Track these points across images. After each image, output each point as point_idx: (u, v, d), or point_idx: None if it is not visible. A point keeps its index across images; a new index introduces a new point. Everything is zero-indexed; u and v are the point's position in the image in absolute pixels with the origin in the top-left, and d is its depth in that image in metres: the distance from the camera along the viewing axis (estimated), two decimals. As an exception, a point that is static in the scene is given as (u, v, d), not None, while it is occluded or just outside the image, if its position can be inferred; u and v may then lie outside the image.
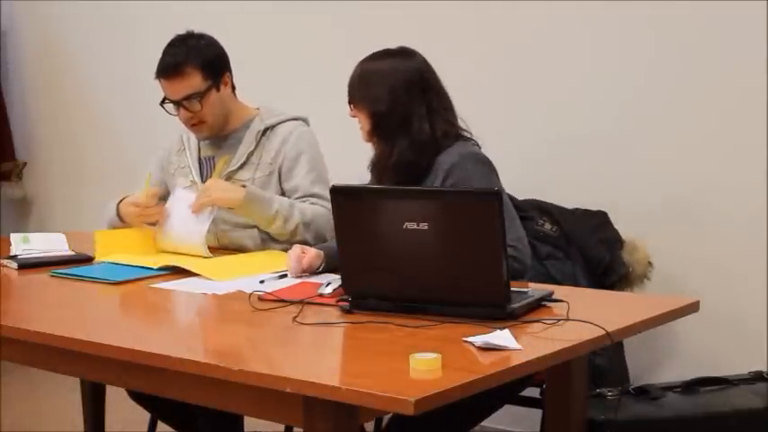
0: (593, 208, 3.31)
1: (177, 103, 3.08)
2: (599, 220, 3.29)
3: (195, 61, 3.06)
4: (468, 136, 2.81)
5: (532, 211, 3.23)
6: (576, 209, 3.31)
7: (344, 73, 2.82)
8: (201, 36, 3.15)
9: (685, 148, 3.37)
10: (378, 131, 2.75)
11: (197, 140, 3.23)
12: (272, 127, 3.15)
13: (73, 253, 3.03)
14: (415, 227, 2.14)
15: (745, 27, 3.23)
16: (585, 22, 3.52)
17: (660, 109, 3.41)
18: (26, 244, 3.10)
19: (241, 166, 3.12)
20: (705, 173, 3.34)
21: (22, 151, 5.24)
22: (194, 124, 3.12)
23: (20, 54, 5.27)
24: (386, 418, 2.75)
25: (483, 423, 2.69)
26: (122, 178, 4.87)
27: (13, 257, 2.98)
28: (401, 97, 2.72)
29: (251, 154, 3.12)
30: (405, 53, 2.80)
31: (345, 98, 2.81)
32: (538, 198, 3.30)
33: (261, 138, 3.14)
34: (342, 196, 2.26)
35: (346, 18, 4.07)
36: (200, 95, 3.06)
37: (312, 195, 3.07)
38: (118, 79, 4.90)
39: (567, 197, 3.34)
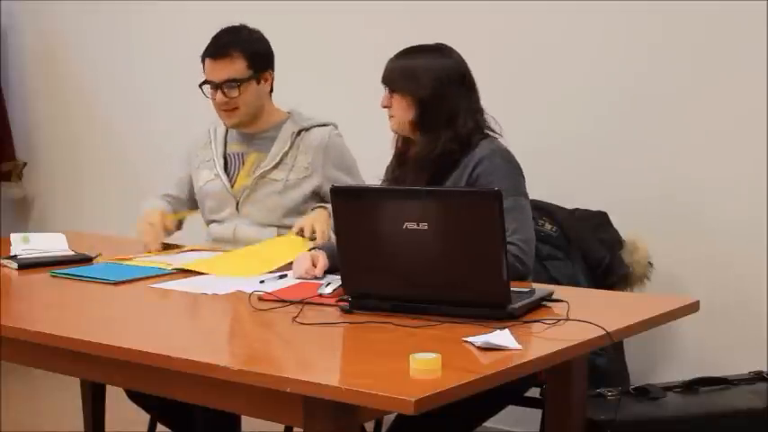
0: (594, 208, 3.31)
1: (217, 86, 3.12)
2: (599, 221, 3.29)
3: (243, 49, 3.14)
4: (496, 135, 2.83)
5: (533, 211, 3.22)
6: (577, 209, 3.31)
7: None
8: (254, 30, 3.22)
9: (685, 148, 3.37)
10: (422, 122, 2.76)
11: (224, 135, 3.27)
12: (307, 129, 3.19)
13: (73, 253, 3.03)
14: (415, 227, 2.14)
15: (745, 27, 3.23)
16: (585, 22, 3.52)
17: (661, 109, 3.41)
18: (26, 244, 3.09)
19: (275, 166, 3.16)
20: (705, 173, 3.34)
21: (23, 151, 5.23)
22: (226, 110, 3.16)
23: (20, 54, 5.26)
24: (386, 425, 2.75)
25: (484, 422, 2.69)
26: (122, 178, 4.88)
27: (13, 257, 2.97)
28: (447, 90, 2.75)
29: (285, 154, 3.17)
30: (445, 49, 2.84)
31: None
32: (538, 198, 3.29)
33: (295, 138, 3.18)
34: (342, 196, 2.26)
35: (354, 20, 4.07)
36: (240, 82, 3.11)
37: None
38: (118, 80, 4.90)
39: (568, 197, 3.34)
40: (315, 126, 3.21)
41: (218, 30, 3.19)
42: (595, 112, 3.53)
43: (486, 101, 3.45)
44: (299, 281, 2.59)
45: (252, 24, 3.26)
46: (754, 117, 3.22)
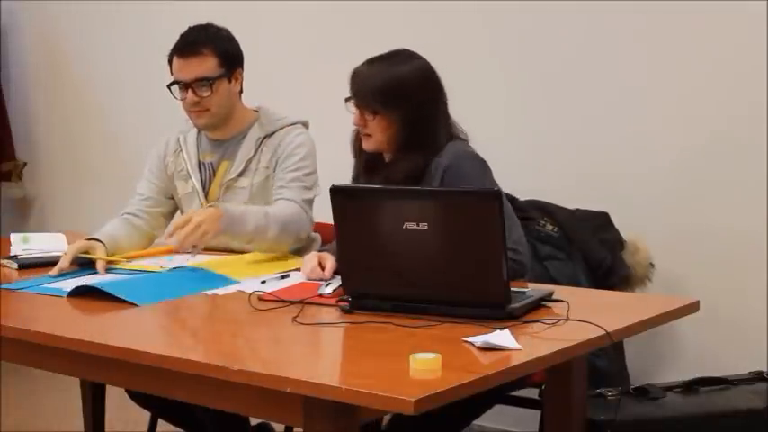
0: (595, 209, 3.31)
1: (187, 86, 3.02)
2: (600, 221, 3.29)
3: (214, 46, 3.04)
4: (462, 136, 2.77)
5: (534, 211, 3.23)
6: (577, 209, 3.31)
7: (342, 73, 2.79)
8: (222, 28, 3.13)
9: (686, 148, 3.37)
10: (407, 141, 2.67)
11: (196, 144, 3.18)
12: (271, 135, 3.09)
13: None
14: (415, 227, 2.14)
15: (745, 27, 3.23)
16: (585, 20, 3.52)
17: (661, 109, 3.41)
18: (26, 244, 3.09)
19: (240, 174, 3.08)
20: (706, 173, 3.34)
21: (23, 151, 5.24)
22: (197, 110, 3.06)
23: (21, 53, 5.27)
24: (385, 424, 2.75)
25: (483, 423, 2.69)
26: (122, 178, 4.87)
27: (13, 257, 2.97)
28: (423, 99, 2.68)
29: (249, 161, 3.07)
30: (412, 55, 2.75)
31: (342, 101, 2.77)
32: (539, 198, 3.30)
33: (260, 144, 3.09)
34: (342, 196, 2.26)
35: (343, 18, 4.07)
36: (212, 81, 3.02)
37: (282, 198, 3.00)
38: (119, 79, 4.90)
39: (568, 198, 3.33)
40: (281, 128, 3.09)
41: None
42: (596, 112, 3.52)
43: (486, 101, 3.48)
44: (299, 281, 2.59)
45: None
46: (754, 117, 3.22)
